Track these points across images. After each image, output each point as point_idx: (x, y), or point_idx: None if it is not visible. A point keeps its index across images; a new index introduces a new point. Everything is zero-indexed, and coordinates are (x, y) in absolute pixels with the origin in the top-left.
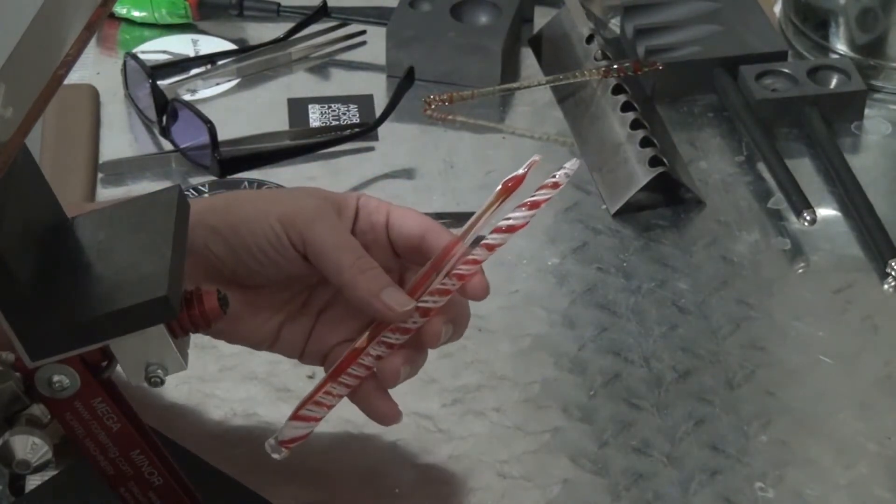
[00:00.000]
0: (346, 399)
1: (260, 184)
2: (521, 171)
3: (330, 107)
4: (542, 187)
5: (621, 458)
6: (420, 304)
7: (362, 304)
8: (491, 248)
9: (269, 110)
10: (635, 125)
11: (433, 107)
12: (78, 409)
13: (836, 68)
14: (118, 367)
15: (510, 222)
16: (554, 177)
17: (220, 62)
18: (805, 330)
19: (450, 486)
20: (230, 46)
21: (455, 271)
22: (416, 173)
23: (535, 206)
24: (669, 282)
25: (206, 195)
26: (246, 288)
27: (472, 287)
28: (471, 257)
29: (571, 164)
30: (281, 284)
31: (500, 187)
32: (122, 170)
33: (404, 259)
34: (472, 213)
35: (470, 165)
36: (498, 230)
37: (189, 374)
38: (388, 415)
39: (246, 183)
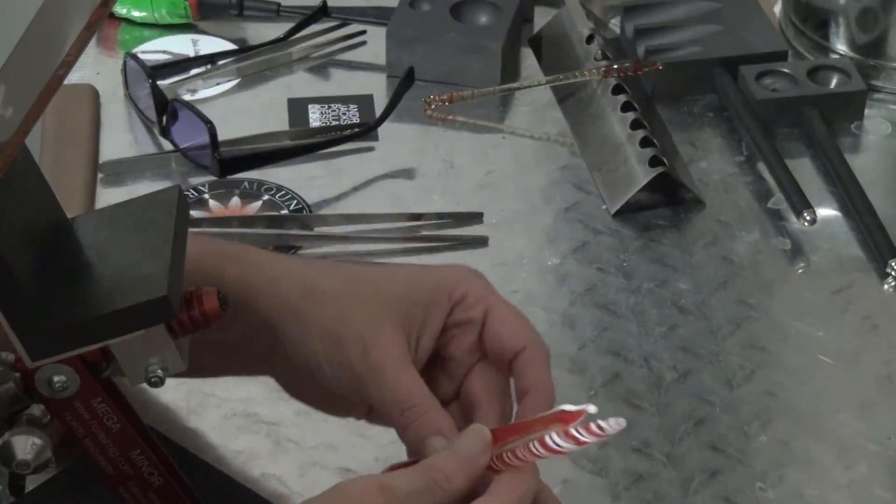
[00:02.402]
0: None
1: (260, 184)
2: (576, 411)
3: (330, 107)
4: (588, 431)
5: (621, 458)
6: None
7: (410, 450)
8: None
9: (269, 110)
10: (635, 125)
11: (433, 107)
12: (78, 409)
13: (836, 68)
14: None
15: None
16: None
17: (220, 62)
18: (805, 330)
19: None
20: (230, 46)
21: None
22: (416, 173)
23: (579, 444)
24: (669, 282)
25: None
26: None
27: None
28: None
29: (619, 424)
30: None
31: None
32: (122, 170)
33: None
34: (471, 214)
35: (470, 165)
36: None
37: None
38: None
39: (246, 183)
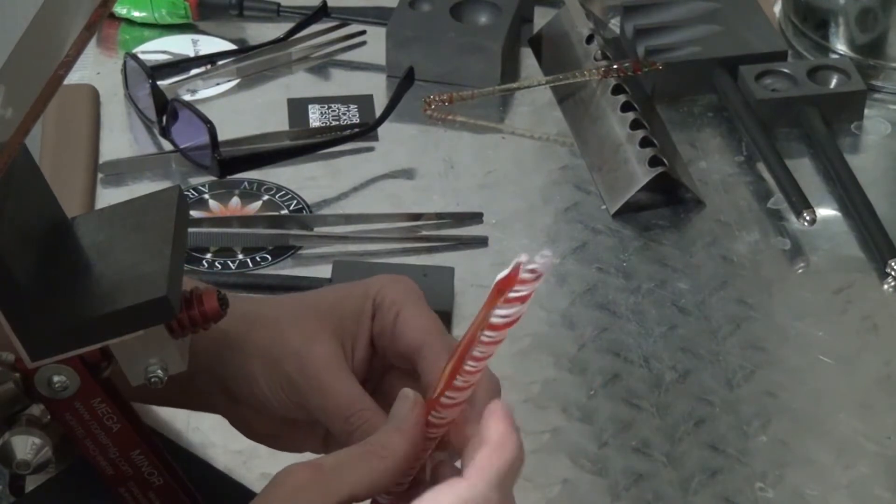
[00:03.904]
0: None
1: (260, 184)
2: (508, 272)
3: (330, 107)
4: (521, 282)
5: (621, 458)
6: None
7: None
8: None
9: (269, 110)
10: (635, 125)
11: (433, 107)
12: (78, 410)
13: (836, 68)
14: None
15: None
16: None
17: (220, 62)
18: (805, 330)
19: None
20: (230, 46)
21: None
22: (416, 173)
23: (523, 300)
24: (669, 282)
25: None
26: (270, 417)
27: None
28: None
29: (546, 257)
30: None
31: (491, 291)
32: (122, 170)
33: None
34: (471, 214)
35: (470, 165)
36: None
37: None
38: None
39: (246, 183)
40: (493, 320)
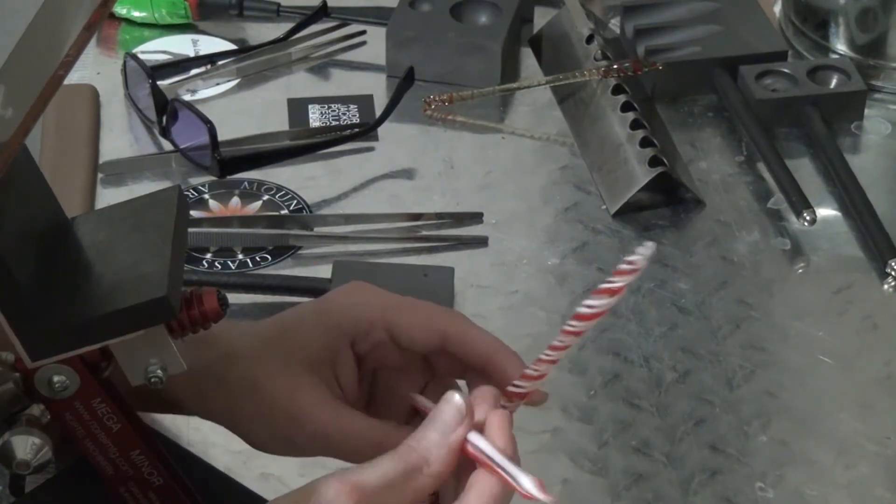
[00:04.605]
0: None
1: (260, 184)
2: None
3: (330, 107)
4: (617, 273)
5: (621, 458)
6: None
7: None
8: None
9: (269, 110)
10: (635, 125)
11: (433, 107)
12: (78, 410)
13: (836, 68)
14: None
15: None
16: (631, 262)
17: (220, 62)
18: (805, 330)
19: None
20: (230, 46)
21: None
22: (416, 173)
23: (614, 293)
24: (669, 282)
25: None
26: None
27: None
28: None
29: (647, 249)
30: None
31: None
32: (122, 170)
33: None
34: (471, 214)
35: (470, 165)
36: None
37: None
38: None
39: (246, 183)
40: (580, 310)
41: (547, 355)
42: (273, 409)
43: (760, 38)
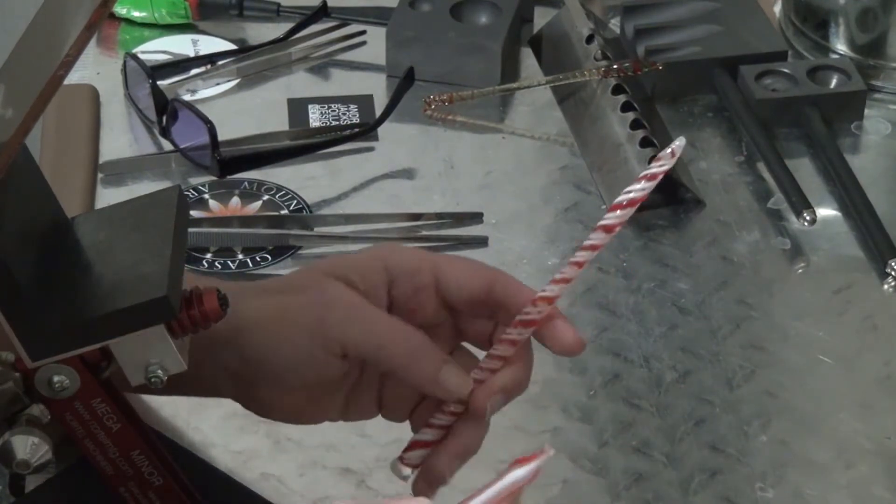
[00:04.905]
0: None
1: (260, 184)
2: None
3: (330, 107)
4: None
5: (621, 458)
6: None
7: (421, 389)
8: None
9: (269, 110)
10: (635, 125)
11: (433, 107)
12: (78, 410)
13: (836, 68)
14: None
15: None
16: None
17: (220, 62)
18: (805, 330)
19: (449, 485)
20: (230, 46)
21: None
22: (416, 173)
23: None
24: (669, 282)
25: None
26: (292, 391)
27: (565, 348)
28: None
29: (679, 143)
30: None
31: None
32: (122, 170)
33: (465, 313)
34: (471, 214)
35: (470, 165)
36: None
37: None
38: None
39: (246, 183)
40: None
41: (562, 273)
42: (325, 314)
43: (760, 38)
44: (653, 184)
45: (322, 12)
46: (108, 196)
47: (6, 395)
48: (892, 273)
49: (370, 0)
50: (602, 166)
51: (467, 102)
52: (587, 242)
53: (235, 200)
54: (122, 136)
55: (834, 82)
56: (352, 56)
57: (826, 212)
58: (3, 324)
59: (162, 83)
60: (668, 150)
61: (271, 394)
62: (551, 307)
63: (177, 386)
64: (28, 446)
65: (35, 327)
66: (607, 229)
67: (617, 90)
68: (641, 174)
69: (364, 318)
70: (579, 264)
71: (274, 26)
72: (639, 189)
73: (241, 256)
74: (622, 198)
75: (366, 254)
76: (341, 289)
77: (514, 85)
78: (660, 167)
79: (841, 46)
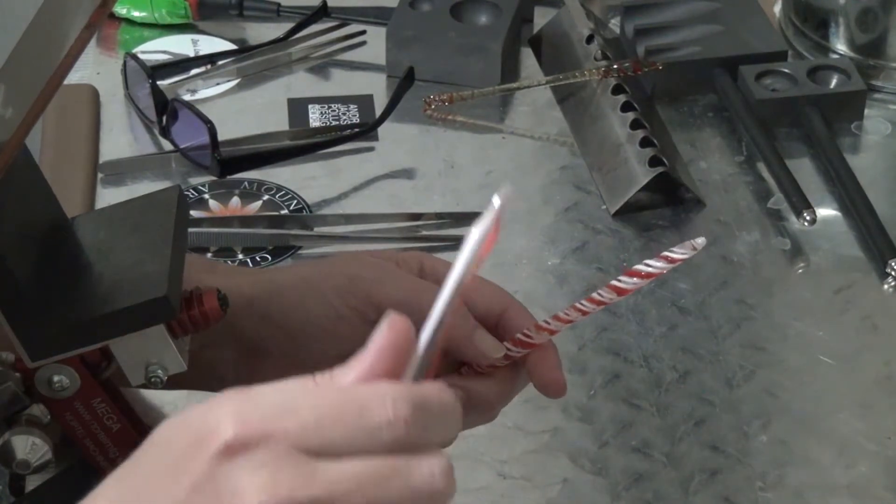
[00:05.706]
0: None
1: (260, 184)
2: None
3: (330, 107)
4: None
5: (621, 458)
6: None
7: (454, 349)
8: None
9: (269, 110)
10: (635, 125)
11: (433, 107)
12: (78, 410)
13: (836, 68)
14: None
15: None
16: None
17: (220, 62)
18: (805, 330)
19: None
20: (230, 46)
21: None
22: (416, 173)
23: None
24: (669, 282)
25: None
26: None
27: (547, 384)
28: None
29: (700, 241)
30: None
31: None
32: (122, 170)
33: None
34: (471, 214)
35: (470, 165)
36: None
37: None
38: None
39: (246, 183)
40: (615, 283)
41: (566, 314)
42: (359, 271)
43: (760, 38)
44: (670, 266)
45: (322, 12)
46: (108, 196)
47: (6, 395)
48: (892, 273)
49: (370, 0)
50: (602, 166)
51: (467, 102)
52: (596, 296)
53: (235, 200)
54: (122, 136)
55: (834, 82)
56: (352, 56)
57: (826, 212)
58: (3, 324)
59: (162, 83)
60: (690, 243)
61: (277, 370)
62: (549, 338)
63: (172, 379)
64: (28, 446)
65: (35, 327)
66: (619, 291)
67: (617, 90)
68: (662, 253)
69: (398, 276)
70: (584, 313)
71: (274, 26)
72: (657, 266)
73: (241, 256)
74: (640, 268)
75: (403, 251)
76: (374, 257)
77: (514, 85)
78: (681, 254)
79: (841, 46)
